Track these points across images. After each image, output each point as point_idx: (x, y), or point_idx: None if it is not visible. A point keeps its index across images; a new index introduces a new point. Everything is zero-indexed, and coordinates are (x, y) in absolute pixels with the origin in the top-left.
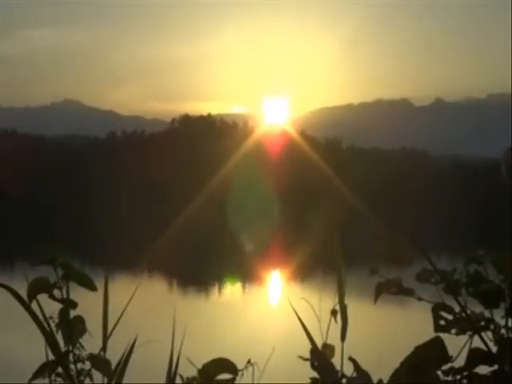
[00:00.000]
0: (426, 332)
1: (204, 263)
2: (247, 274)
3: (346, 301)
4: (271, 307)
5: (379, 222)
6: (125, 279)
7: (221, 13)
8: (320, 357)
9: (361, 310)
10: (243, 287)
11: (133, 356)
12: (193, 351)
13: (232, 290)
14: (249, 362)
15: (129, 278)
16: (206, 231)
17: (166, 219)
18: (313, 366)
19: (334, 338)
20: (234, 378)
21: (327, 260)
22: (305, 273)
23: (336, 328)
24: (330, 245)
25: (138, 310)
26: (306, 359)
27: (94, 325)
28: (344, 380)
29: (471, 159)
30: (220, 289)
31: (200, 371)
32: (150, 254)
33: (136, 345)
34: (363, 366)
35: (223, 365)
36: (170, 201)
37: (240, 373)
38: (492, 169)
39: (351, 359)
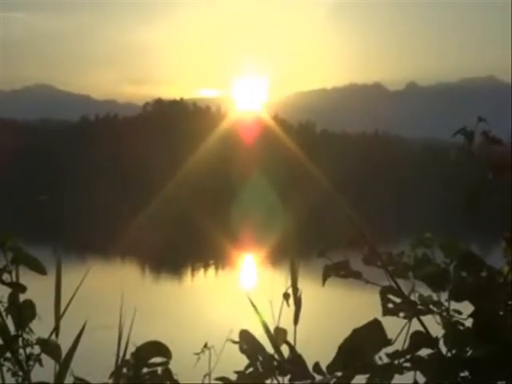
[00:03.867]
0: (378, 315)
1: (177, 248)
2: (220, 258)
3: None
4: (240, 292)
5: (349, 206)
6: (97, 264)
7: None
8: (249, 339)
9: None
10: (216, 271)
11: (88, 342)
12: (150, 336)
13: (204, 275)
14: (205, 345)
15: (101, 263)
16: (178, 216)
17: (139, 204)
18: (241, 349)
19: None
20: (167, 362)
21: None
22: (278, 257)
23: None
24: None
25: (107, 295)
26: (235, 342)
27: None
28: (276, 364)
29: (442, 142)
30: (193, 273)
31: (133, 354)
32: (123, 238)
33: (89, 329)
34: (314, 349)
35: (157, 348)
36: (143, 185)
37: (196, 356)
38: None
39: (286, 342)
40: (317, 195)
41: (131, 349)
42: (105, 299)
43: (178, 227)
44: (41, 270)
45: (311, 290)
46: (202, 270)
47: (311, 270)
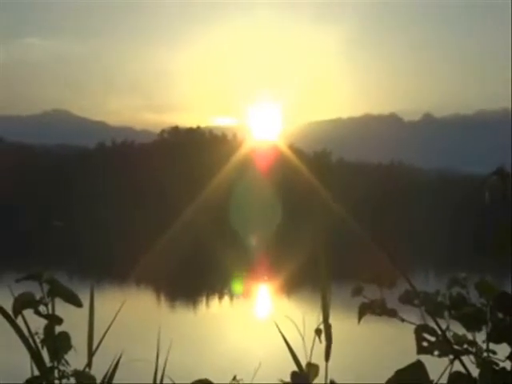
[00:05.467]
0: (411, 352)
1: (192, 276)
2: (235, 287)
3: (331, 319)
4: (258, 322)
5: (367, 237)
6: (113, 291)
7: (209, 17)
8: (300, 379)
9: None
10: (231, 300)
11: (118, 372)
12: (179, 367)
13: (219, 303)
14: (234, 378)
15: (117, 290)
16: (194, 244)
17: (155, 231)
18: None
19: (319, 356)
20: None
21: (315, 274)
22: (293, 287)
23: (321, 346)
24: (317, 260)
25: (125, 324)
26: (286, 383)
27: (80, 339)
28: None
29: (458, 174)
30: (208, 302)
31: None
32: (139, 266)
33: (121, 361)
34: None
35: None
36: (159, 213)
37: None
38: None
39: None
40: (334, 225)
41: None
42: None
43: (194, 255)
44: (76, 302)
45: (341, 323)
46: (216, 299)
47: (337, 303)
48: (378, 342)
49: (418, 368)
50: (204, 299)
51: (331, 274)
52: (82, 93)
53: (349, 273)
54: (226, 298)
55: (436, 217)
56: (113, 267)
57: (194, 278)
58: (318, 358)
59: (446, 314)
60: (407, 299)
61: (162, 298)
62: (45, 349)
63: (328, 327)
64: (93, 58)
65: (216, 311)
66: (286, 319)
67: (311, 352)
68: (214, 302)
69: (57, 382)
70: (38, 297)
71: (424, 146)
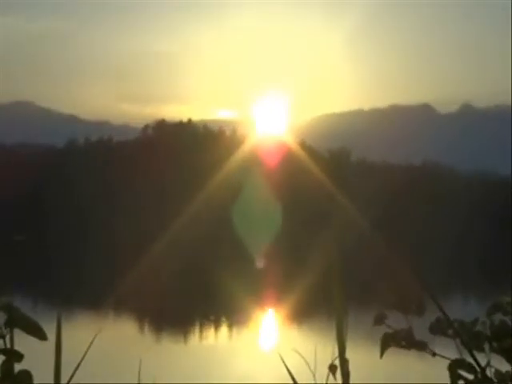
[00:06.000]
0: None
1: (183, 301)
2: (235, 315)
3: (349, 352)
4: (262, 356)
5: (390, 255)
6: (87, 320)
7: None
8: None
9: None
10: (230, 331)
11: None
12: None
13: (217, 334)
14: None
15: (91, 318)
16: (183, 263)
17: (138, 246)
18: None
19: None
20: None
21: (329, 298)
22: (303, 313)
23: None
24: (330, 282)
25: (100, 359)
26: None
27: (46, 378)
28: None
29: (504, 177)
30: (201, 332)
31: None
32: (119, 288)
33: None
34: None
35: None
36: (141, 224)
37: None
38: None
39: None
40: (352, 238)
41: None
42: (103, 365)
43: (183, 276)
44: (40, 334)
45: (358, 358)
46: (212, 329)
47: (354, 331)
48: (404, 380)
49: None
50: (197, 329)
51: (346, 298)
52: (50, 82)
53: (371, 298)
54: (224, 328)
55: (477, 230)
56: (87, 291)
57: (185, 303)
58: None
59: (486, 346)
60: (439, 329)
61: (146, 327)
62: None
63: (344, 362)
64: (61, 39)
65: (211, 343)
66: (295, 353)
67: None
68: (209, 332)
69: None
70: None
71: (463, 142)
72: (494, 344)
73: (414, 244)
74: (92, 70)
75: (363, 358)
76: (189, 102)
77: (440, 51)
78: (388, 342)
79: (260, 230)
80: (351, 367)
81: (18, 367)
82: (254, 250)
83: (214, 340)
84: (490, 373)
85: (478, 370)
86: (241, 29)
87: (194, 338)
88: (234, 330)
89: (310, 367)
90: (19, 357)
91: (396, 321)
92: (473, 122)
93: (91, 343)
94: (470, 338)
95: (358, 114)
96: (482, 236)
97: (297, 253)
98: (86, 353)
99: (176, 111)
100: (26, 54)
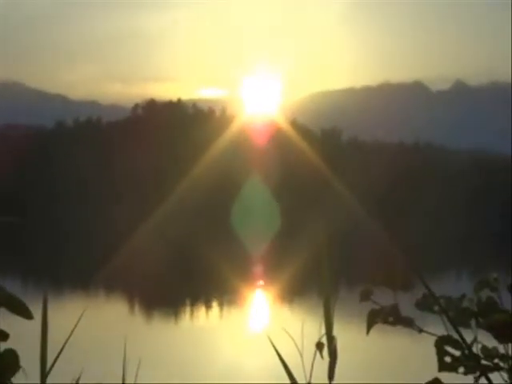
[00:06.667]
0: (431, 368)
1: (174, 281)
2: (225, 294)
3: (336, 329)
4: (252, 336)
5: (380, 233)
6: (75, 299)
7: None
8: None
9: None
10: (220, 310)
11: None
12: None
13: (207, 314)
14: None
15: (80, 297)
16: (173, 242)
17: (129, 226)
18: None
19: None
20: None
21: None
22: (295, 292)
23: (324, 363)
24: (319, 259)
25: (88, 338)
26: None
27: (32, 357)
28: None
29: (496, 158)
30: (192, 312)
31: None
32: (109, 267)
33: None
34: None
35: None
36: (131, 204)
37: None
38: None
39: None
40: (344, 218)
41: None
42: (89, 343)
43: (174, 255)
44: (25, 313)
45: (347, 336)
46: (203, 309)
47: (343, 309)
48: (391, 356)
49: None
50: (187, 309)
51: (335, 276)
52: (37, 61)
53: (360, 275)
54: (215, 308)
55: (470, 213)
56: (75, 269)
57: (176, 283)
58: (320, 378)
59: (472, 322)
60: (426, 305)
61: (136, 307)
62: None
63: (331, 340)
64: (49, 20)
65: (202, 324)
66: (285, 332)
67: (311, 370)
68: (200, 312)
69: None
70: None
71: (456, 121)
72: (481, 320)
73: (405, 222)
74: (81, 50)
75: (350, 335)
76: (177, 80)
77: (432, 27)
78: (374, 319)
79: (250, 210)
80: (339, 345)
81: (3, 346)
82: (245, 232)
83: (205, 320)
84: (476, 349)
85: (465, 345)
86: (231, 5)
87: (185, 318)
88: (225, 310)
89: (297, 347)
90: (4, 336)
91: (385, 298)
92: (465, 100)
93: (78, 320)
94: (457, 315)
95: (348, 92)
96: (479, 221)
97: (288, 232)
98: (72, 331)
99: (164, 89)
100: (17, 35)
